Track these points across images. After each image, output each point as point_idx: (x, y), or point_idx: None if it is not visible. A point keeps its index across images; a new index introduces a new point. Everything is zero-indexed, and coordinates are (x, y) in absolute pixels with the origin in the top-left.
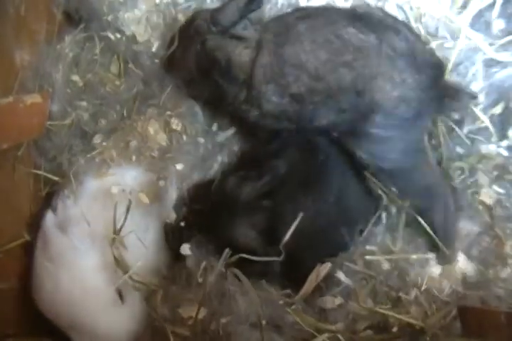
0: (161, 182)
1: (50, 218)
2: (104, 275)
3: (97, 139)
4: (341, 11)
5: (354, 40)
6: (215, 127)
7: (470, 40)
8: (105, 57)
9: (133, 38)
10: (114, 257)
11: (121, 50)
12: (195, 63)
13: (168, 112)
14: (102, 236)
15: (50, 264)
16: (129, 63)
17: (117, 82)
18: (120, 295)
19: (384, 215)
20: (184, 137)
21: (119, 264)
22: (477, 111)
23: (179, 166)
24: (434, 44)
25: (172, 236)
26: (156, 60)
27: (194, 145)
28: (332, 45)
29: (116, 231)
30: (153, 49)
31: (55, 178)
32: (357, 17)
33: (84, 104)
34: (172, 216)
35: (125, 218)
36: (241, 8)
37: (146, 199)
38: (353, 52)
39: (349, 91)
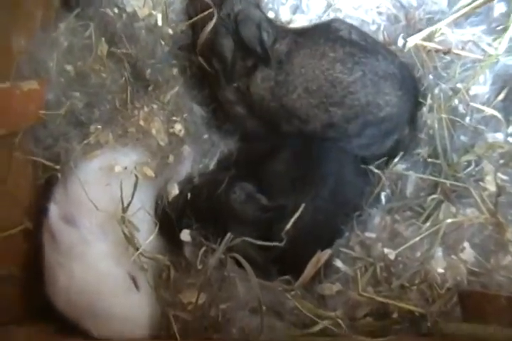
0: (171, 158)
1: (53, 211)
2: (117, 262)
3: (93, 129)
4: (328, 38)
5: (341, 78)
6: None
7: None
8: (98, 44)
9: (133, 15)
10: (125, 235)
11: (119, 29)
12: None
13: (174, 118)
14: (109, 218)
15: (62, 258)
16: (122, 49)
17: (104, 74)
18: (134, 281)
19: (383, 195)
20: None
21: (130, 242)
22: (477, 105)
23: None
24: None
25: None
26: (163, 42)
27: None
28: (323, 89)
29: (124, 209)
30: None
31: (53, 165)
32: (340, 44)
33: (77, 94)
34: (174, 192)
35: (132, 195)
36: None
37: (151, 173)
38: (342, 90)
39: (340, 124)
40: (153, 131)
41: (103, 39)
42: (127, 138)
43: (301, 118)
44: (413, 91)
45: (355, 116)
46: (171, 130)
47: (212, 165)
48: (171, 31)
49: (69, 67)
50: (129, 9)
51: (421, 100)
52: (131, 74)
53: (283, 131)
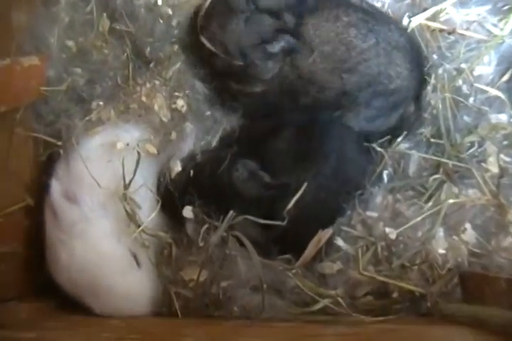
0: (173, 134)
1: (55, 188)
2: (118, 239)
3: (94, 105)
4: (339, 2)
5: (356, 43)
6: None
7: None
8: (100, 20)
9: None
10: (127, 212)
11: (120, 5)
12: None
13: (176, 93)
14: (111, 195)
15: (63, 235)
16: (121, 24)
17: (105, 50)
18: (136, 258)
19: (385, 174)
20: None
21: (132, 219)
22: (481, 85)
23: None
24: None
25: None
26: (161, 21)
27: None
28: (337, 53)
29: (126, 186)
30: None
31: (55, 141)
32: (354, 9)
33: (78, 70)
34: (177, 169)
35: (135, 172)
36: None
37: (154, 150)
38: (356, 57)
39: (352, 92)
40: (156, 107)
41: (104, 15)
42: (129, 114)
43: (317, 85)
44: (421, 68)
45: (367, 85)
46: (174, 106)
47: (214, 142)
48: (170, 11)
49: (70, 43)
50: None
51: (426, 77)
52: (132, 50)
53: (301, 103)
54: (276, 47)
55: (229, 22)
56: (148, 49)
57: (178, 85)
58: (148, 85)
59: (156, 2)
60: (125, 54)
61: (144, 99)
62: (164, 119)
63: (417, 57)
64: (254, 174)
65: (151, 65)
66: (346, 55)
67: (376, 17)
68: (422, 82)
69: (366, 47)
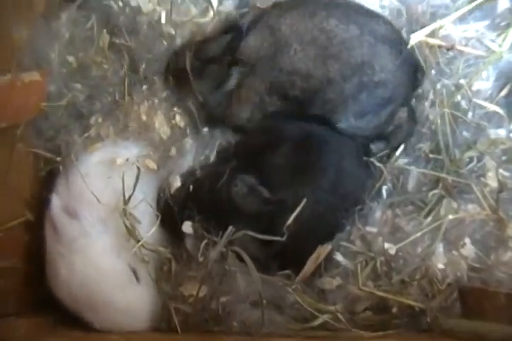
0: (173, 150)
1: (55, 203)
2: (118, 254)
3: (93, 120)
4: (318, 2)
5: (336, 32)
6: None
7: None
8: (100, 35)
9: (137, 9)
10: (126, 227)
11: (122, 21)
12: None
13: (175, 108)
14: (111, 210)
15: (63, 250)
16: (120, 39)
17: (105, 66)
18: (135, 273)
19: (384, 189)
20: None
21: (132, 234)
22: (479, 101)
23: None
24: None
25: (169, 215)
26: (164, 41)
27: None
28: (318, 41)
29: (126, 201)
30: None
31: (55, 158)
32: (334, 6)
33: (78, 86)
34: (177, 184)
35: (134, 187)
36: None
37: (153, 166)
38: (338, 45)
39: (337, 80)
40: (156, 125)
41: (104, 31)
42: (128, 132)
43: (301, 74)
44: (411, 67)
45: (351, 73)
46: (173, 121)
47: (213, 157)
48: (172, 31)
49: (71, 58)
50: (133, 3)
51: (418, 77)
52: (130, 66)
53: (291, 96)
54: (231, 83)
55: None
56: (144, 65)
57: (177, 100)
58: (146, 104)
59: (159, 19)
60: (123, 69)
61: (143, 117)
62: (164, 136)
63: (407, 56)
64: (253, 189)
65: (147, 83)
66: (327, 42)
67: (360, 12)
68: (412, 81)
69: (348, 37)
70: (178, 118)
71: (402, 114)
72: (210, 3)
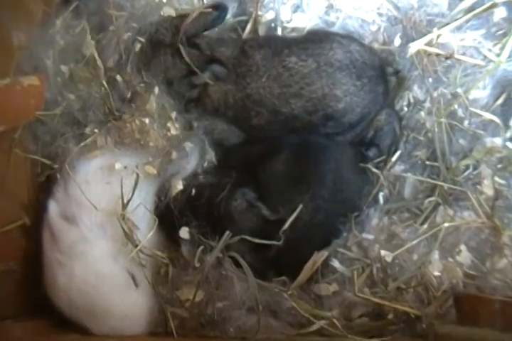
0: (174, 154)
1: (53, 208)
2: (116, 259)
3: (89, 130)
4: (284, 39)
5: (297, 69)
6: None
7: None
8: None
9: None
10: (124, 231)
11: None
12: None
13: (168, 124)
14: (109, 215)
15: (62, 256)
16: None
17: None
18: (133, 278)
19: (381, 195)
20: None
21: (130, 238)
22: (476, 110)
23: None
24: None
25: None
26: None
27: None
28: (282, 78)
29: (124, 206)
30: None
31: (51, 164)
32: (297, 42)
33: (72, 96)
34: (179, 187)
35: (133, 192)
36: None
37: (153, 171)
38: (299, 82)
39: (302, 115)
40: (151, 144)
41: (93, 43)
42: (125, 144)
43: (267, 108)
44: (379, 74)
45: (314, 109)
46: (169, 134)
47: (214, 160)
48: None
49: (64, 68)
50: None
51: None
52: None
53: (253, 124)
54: (201, 79)
55: (155, 55)
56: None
57: (165, 115)
58: (137, 122)
59: None
60: (102, 88)
61: (137, 136)
62: (161, 147)
63: (368, 70)
64: (253, 205)
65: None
66: (290, 79)
67: (316, 40)
68: (384, 89)
69: (307, 72)
70: (173, 130)
71: (380, 116)
72: None
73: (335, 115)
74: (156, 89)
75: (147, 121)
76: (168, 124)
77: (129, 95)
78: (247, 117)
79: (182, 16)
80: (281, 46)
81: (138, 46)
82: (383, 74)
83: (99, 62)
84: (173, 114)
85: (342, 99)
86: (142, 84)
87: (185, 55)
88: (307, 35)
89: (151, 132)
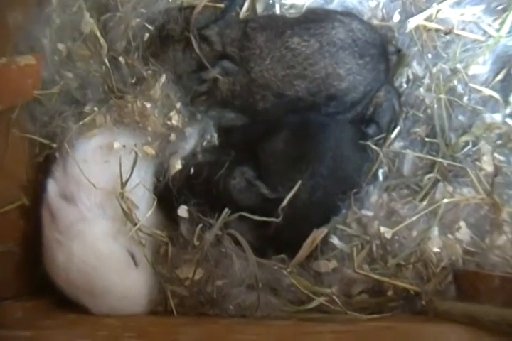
0: (173, 136)
1: (52, 188)
2: (115, 239)
3: (88, 109)
4: (286, 19)
5: (300, 49)
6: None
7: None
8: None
9: None
10: (123, 210)
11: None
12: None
13: (171, 113)
14: (108, 194)
15: (61, 236)
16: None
17: (91, 60)
18: (133, 257)
19: (380, 172)
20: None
21: (129, 217)
22: (475, 85)
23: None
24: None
25: (166, 198)
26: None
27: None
28: (285, 59)
29: (123, 185)
30: None
31: (50, 143)
32: (298, 22)
33: (70, 74)
34: (177, 167)
35: (132, 170)
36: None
37: (152, 151)
38: (302, 62)
39: (306, 97)
40: (149, 129)
41: (89, 17)
42: (124, 123)
43: (272, 91)
44: (380, 52)
45: (317, 89)
46: (169, 123)
47: (215, 141)
48: None
49: (61, 46)
50: None
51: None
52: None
53: (259, 109)
54: (211, 74)
55: (164, 51)
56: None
57: (169, 104)
58: (138, 104)
59: None
60: (103, 66)
61: (137, 118)
62: (160, 132)
63: (370, 48)
64: (251, 184)
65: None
66: (294, 60)
67: (317, 19)
68: (385, 66)
69: (310, 53)
70: (174, 120)
71: (379, 93)
72: None
73: (338, 94)
74: (163, 78)
75: (149, 105)
76: (171, 114)
77: (133, 80)
78: (252, 103)
79: (191, 7)
80: (282, 27)
81: (146, 35)
82: (385, 51)
83: (101, 40)
84: (178, 105)
85: (345, 78)
86: (150, 71)
87: (197, 51)
88: (307, 14)
89: (151, 118)
